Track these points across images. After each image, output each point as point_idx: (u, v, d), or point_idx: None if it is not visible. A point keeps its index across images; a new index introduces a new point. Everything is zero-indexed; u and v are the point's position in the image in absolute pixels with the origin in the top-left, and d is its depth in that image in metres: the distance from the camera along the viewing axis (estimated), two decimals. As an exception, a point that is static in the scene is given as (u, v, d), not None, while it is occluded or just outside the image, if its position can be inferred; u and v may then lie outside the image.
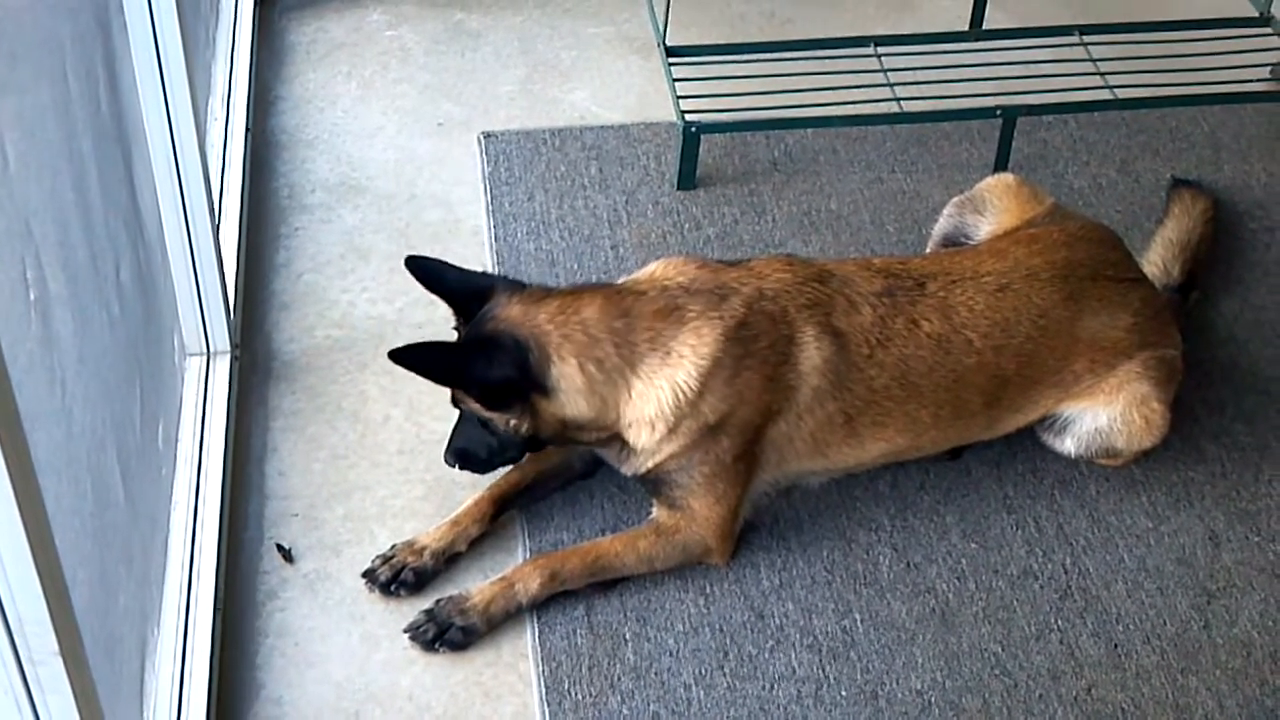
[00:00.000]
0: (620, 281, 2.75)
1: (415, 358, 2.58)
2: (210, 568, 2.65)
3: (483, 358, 2.57)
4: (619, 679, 2.60)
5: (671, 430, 2.63)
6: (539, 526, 2.83)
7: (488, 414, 2.62)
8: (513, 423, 2.62)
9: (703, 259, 2.76)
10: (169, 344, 2.89)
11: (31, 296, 1.94)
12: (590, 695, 2.57)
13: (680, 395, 2.60)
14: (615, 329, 2.60)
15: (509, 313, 2.60)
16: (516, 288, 2.66)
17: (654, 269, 2.74)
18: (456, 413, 2.73)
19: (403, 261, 3.33)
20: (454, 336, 2.71)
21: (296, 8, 4.09)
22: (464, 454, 2.74)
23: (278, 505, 2.86)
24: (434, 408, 2.95)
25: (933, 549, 2.83)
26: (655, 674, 2.61)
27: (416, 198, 3.54)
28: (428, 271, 2.71)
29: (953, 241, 3.12)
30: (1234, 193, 3.60)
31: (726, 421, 2.64)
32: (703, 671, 2.61)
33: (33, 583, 1.58)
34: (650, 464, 2.69)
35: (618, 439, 2.68)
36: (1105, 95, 3.63)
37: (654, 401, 2.61)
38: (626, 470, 2.74)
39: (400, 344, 3.03)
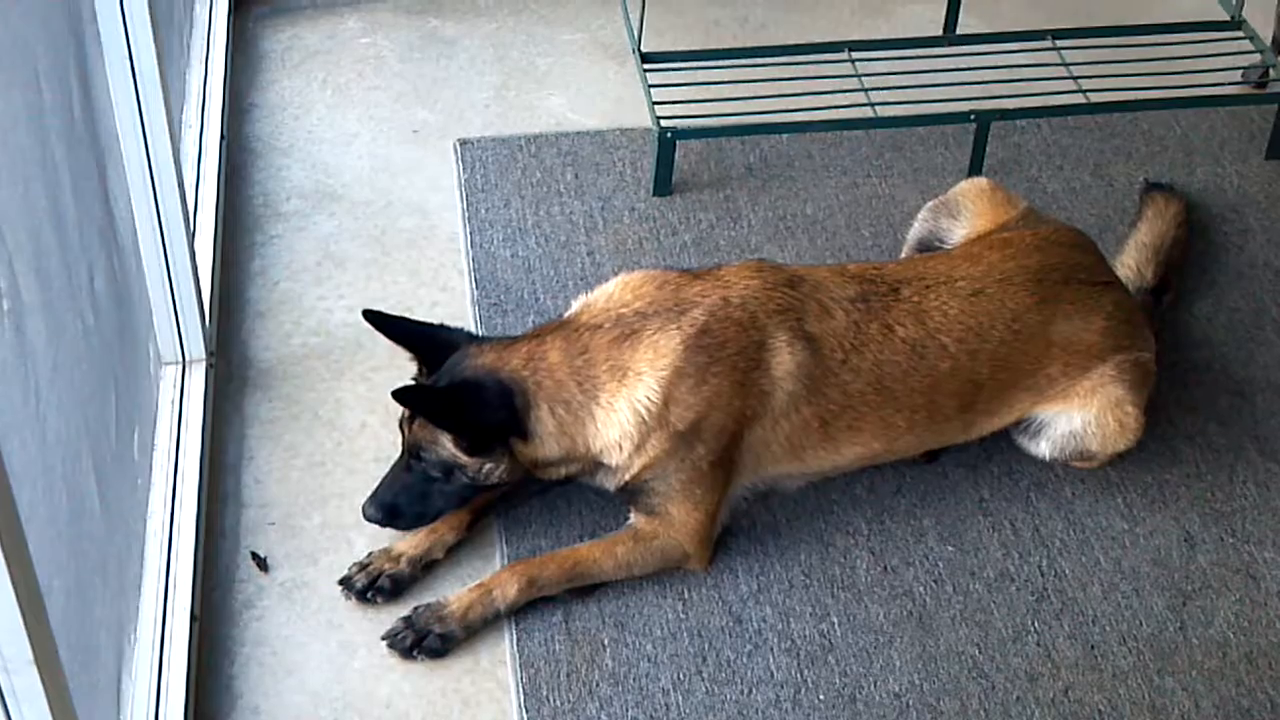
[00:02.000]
0: (576, 307, 2.77)
1: (416, 399, 2.63)
2: (187, 576, 2.64)
3: (475, 402, 2.61)
4: (597, 685, 2.59)
5: (639, 445, 2.64)
6: (517, 533, 2.83)
7: (465, 460, 2.63)
8: (487, 467, 2.64)
9: (665, 273, 2.77)
10: (144, 352, 2.88)
11: (4, 305, 1.94)
12: (569, 702, 2.57)
13: (641, 411, 2.62)
14: (577, 368, 2.63)
15: (485, 360, 2.64)
16: (480, 339, 2.73)
17: (611, 290, 2.75)
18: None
19: (377, 271, 3.35)
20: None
21: (271, 15, 4.08)
22: (393, 509, 2.72)
23: (254, 514, 2.85)
24: (411, 415, 2.95)
25: (910, 552, 2.83)
26: (633, 680, 2.61)
27: (392, 205, 3.54)
28: (388, 323, 2.74)
29: (927, 246, 3.14)
30: (1207, 195, 3.62)
31: (698, 428, 2.65)
32: (681, 677, 2.62)
33: (7, 591, 1.57)
34: (626, 478, 2.70)
35: (592, 466, 2.70)
36: (1078, 99, 3.64)
37: (616, 425, 2.63)
38: (606, 486, 2.75)
39: (377, 353, 3.08)
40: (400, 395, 2.57)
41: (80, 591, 2.22)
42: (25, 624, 1.61)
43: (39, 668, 1.66)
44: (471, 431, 2.61)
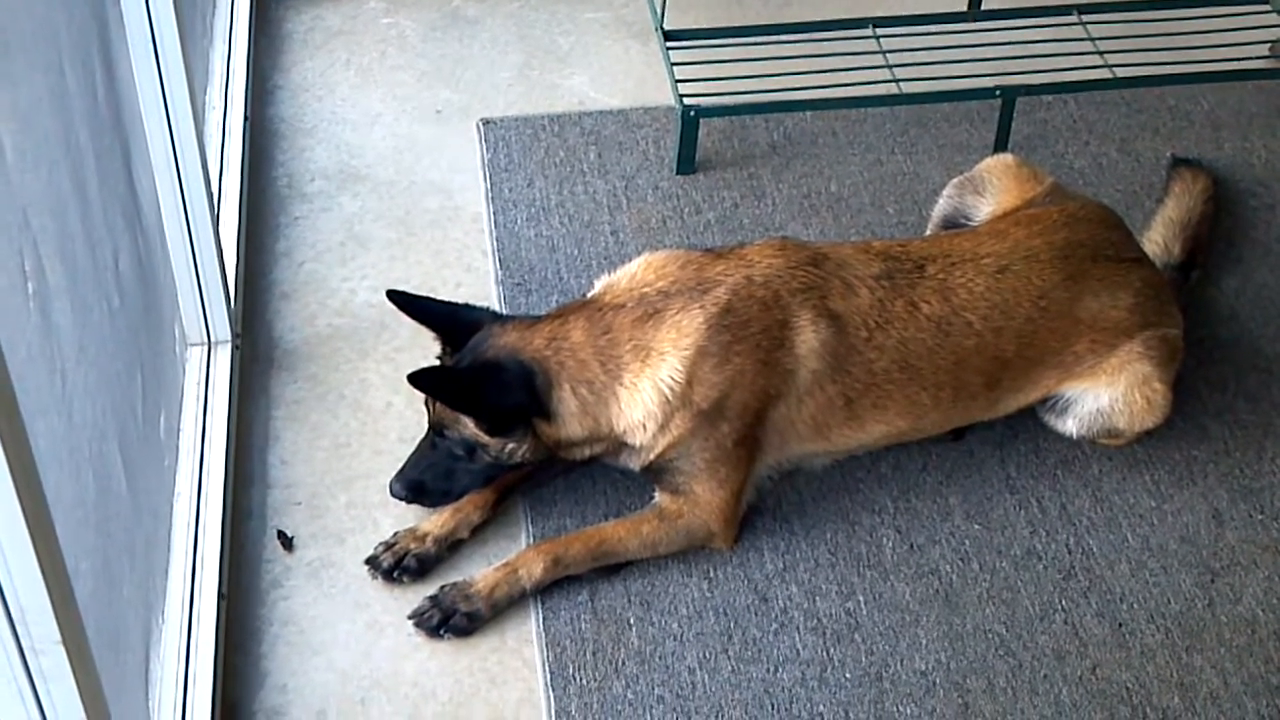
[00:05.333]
0: (599, 287, 2.77)
1: (433, 383, 2.62)
2: (214, 557, 2.65)
3: (494, 383, 2.61)
4: (623, 663, 2.60)
5: (663, 425, 2.64)
6: (542, 512, 2.83)
7: (487, 440, 2.63)
8: (510, 447, 2.64)
9: (688, 253, 2.76)
10: (170, 334, 2.89)
11: (30, 288, 1.94)
12: (595, 680, 2.57)
13: (664, 391, 2.62)
14: (600, 347, 2.63)
15: (507, 339, 2.63)
16: (503, 318, 2.72)
17: (635, 271, 2.74)
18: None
19: (401, 251, 3.35)
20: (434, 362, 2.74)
21: (293, -4, 4.09)
22: (419, 487, 2.75)
23: (280, 494, 2.86)
24: (435, 395, 2.95)
25: (936, 530, 2.83)
26: (659, 658, 2.61)
27: (416, 185, 3.54)
28: (411, 304, 2.74)
29: (953, 223, 3.12)
30: (1234, 170, 3.59)
31: (722, 407, 2.64)
32: (707, 655, 2.62)
33: (34, 572, 1.58)
34: (651, 457, 2.70)
35: (616, 446, 2.69)
36: (1104, 74, 3.62)
37: (640, 405, 2.63)
38: (630, 465, 2.75)
39: (401, 333, 3.08)
40: (416, 379, 2.57)
41: (108, 572, 2.23)
42: (53, 605, 1.62)
43: (66, 648, 1.66)
44: (490, 413, 2.61)
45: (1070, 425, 2.92)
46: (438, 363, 2.74)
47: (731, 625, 2.66)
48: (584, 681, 2.57)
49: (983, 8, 3.82)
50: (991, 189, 3.09)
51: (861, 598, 2.71)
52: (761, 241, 2.80)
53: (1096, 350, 2.85)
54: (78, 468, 2.12)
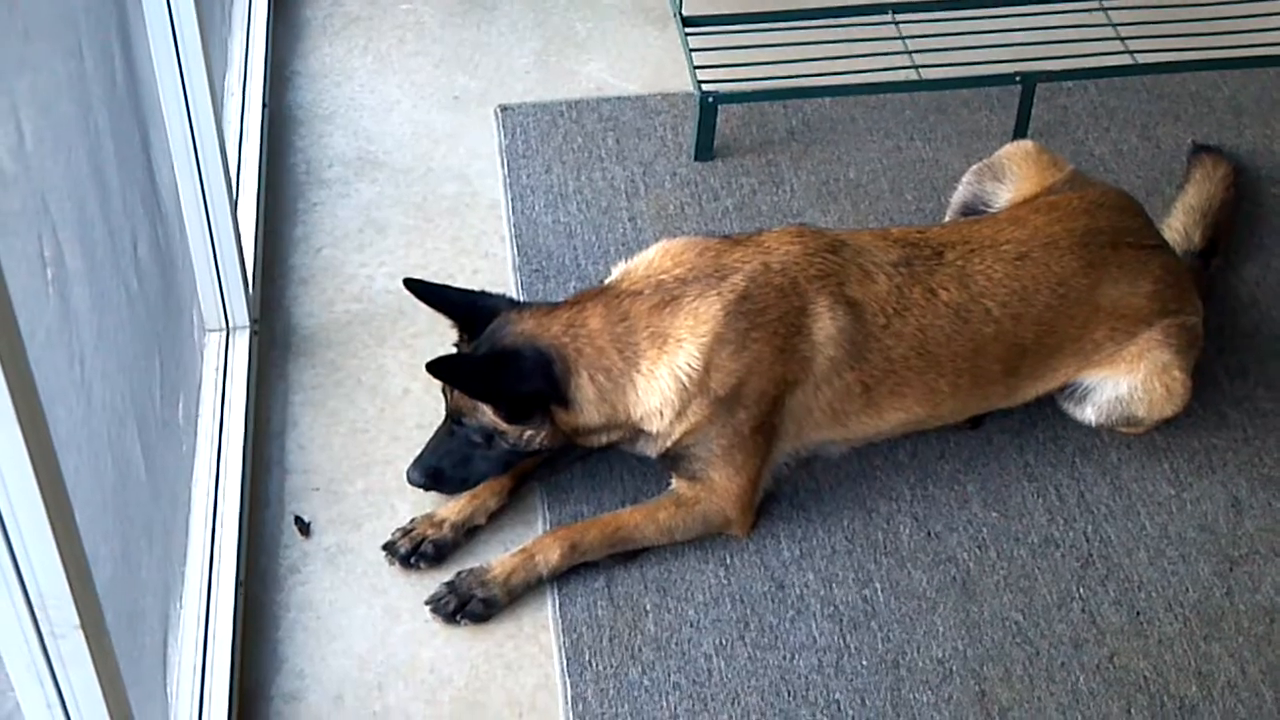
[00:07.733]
0: (616, 274, 2.77)
1: (451, 371, 2.64)
2: (231, 542, 2.66)
3: (512, 371, 2.61)
4: (640, 650, 2.60)
5: (680, 412, 2.64)
6: (558, 499, 2.83)
7: (505, 427, 2.64)
8: (528, 434, 2.65)
9: (705, 240, 2.76)
10: (188, 319, 2.90)
11: (49, 273, 1.95)
12: (611, 666, 2.57)
13: (682, 378, 2.61)
14: (617, 334, 2.63)
15: (525, 326, 2.64)
16: (520, 305, 2.72)
17: (652, 258, 2.74)
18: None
19: (419, 238, 3.35)
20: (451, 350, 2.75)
21: (312, -18, 4.09)
22: (438, 474, 2.75)
23: (298, 480, 2.87)
24: (453, 381, 2.94)
25: (953, 518, 2.82)
26: (676, 645, 2.61)
27: (433, 171, 3.54)
28: (428, 291, 2.75)
29: (972, 210, 3.11)
30: (1255, 157, 3.58)
31: (739, 394, 2.64)
32: (723, 642, 2.62)
33: (53, 557, 1.59)
34: (668, 444, 2.70)
35: (633, 433, 2.70)
36: (1125, 60, 3.60)
37: (658, 393, 2.63)
38: (648, 452, 2.75)
39: (419, 319, 3.08)
40: (434, 367, 2.58)
41: (126, 557, 2.24)
42: (71, 589, 1.63)
43: (85, 633, 1.67)
44: (508, 401, 2.61)
45: (1089, 413, 2.91)
46: (455, 350, 2.74)
47: (748, 612, 2.66)
48: (600, 668, 2.57)
49: (1002, -7, 3.81)
50: (1011, 176, 3.08)
51: (878, 585, 2.71)
52: (779, 228, 2.80)
53: (1116, 338, 2.84)
54: (96, 453, 2.13)
